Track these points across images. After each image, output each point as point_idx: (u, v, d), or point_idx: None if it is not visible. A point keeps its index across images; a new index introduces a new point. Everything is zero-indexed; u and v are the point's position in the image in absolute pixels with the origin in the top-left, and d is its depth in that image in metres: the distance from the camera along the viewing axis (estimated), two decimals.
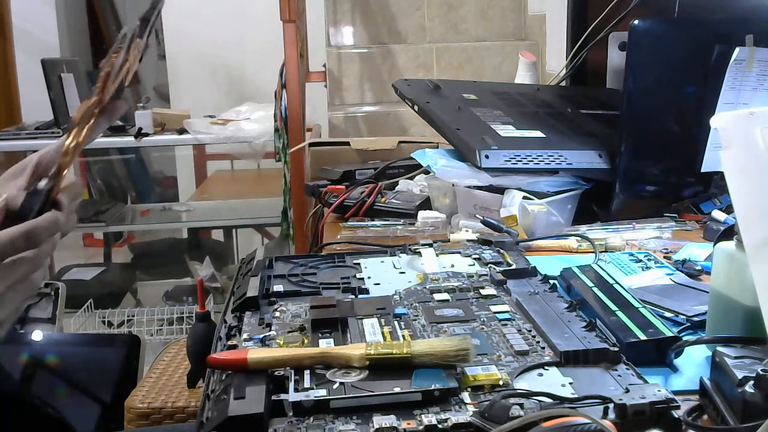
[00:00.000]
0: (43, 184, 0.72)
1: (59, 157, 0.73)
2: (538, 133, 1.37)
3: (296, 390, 0.64)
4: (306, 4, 2.93)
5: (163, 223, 3.56)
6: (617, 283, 0.89)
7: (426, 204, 1.38)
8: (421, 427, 0.59)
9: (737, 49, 1.21)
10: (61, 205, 0.73)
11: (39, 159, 0.76)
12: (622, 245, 1.16)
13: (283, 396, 0.63)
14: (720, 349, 0.67)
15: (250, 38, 4.15)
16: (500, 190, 1.24)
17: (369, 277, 0.96)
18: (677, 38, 1.27)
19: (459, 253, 1.04)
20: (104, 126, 0.77)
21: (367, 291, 0.91)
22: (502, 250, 1.03)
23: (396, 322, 0.79)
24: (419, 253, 1.04)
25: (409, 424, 0.59)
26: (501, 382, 0.65)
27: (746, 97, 1.24)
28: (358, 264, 1.01)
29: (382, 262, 1.02)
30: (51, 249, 0.72)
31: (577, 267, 0.95)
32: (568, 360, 0.70)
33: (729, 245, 0.76)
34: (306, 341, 0.75)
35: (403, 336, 0.76)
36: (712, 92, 1.23)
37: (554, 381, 0.67)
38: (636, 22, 1.22)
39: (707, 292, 0.82)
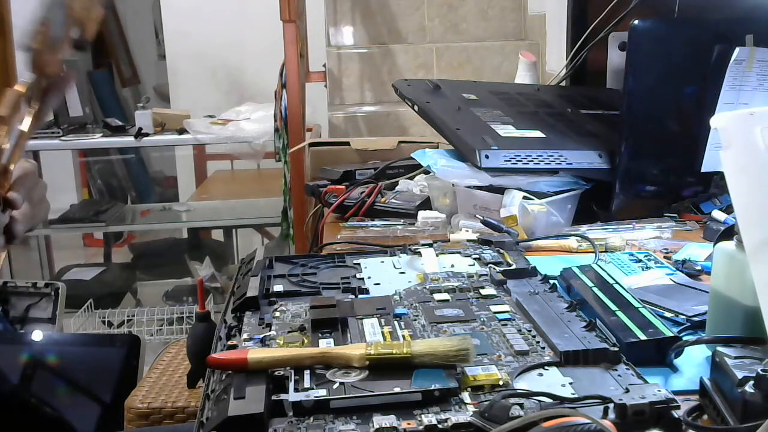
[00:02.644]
0: None
1: None
2: (538, 133, 1.37)
3: (296, 390, 0.64)
4: (306, 4, 2.93)
5: (163, 223, 3.56)
6: (617, 283, 0.89)
7: (426, 204, 1.38)
8: (421, 427, 0.59)
9: (737, 49, 1.21)
10: (16, 203, 0.71)
11: None
12: (622, 245, 1.16)
13: (283, 396, 0.63)
14: (720, 349, 0.67)
15: (250, 38, 4.14)
16: (500, 190, 1.24)
17: (369, 277, 0.96)
18: (677, 38, 1.27)
19: (459, 253, 1.04)
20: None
21: (367, 291, 0.91)
22: (502, 250, 1.03)
23: (396, 322, 0.79)
24: (419, 253, 1.04)
25: (409, 424, 0.59)
26: (501, 382, 0.65)
27: (746, 97, 1.24)
28: (358, 264, 1.01)
29: (382, 262, 1.02)
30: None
31: (577, 267, 0.95)
32: (568, 360, 0.70)
33: (729, 245, 0.76)
34: (306, 341, 0.75)
35: (403, 336, 0.76)
36: (712, 92, 1.23)
37: (554, 381, 0.67)
38: (636, 22, 1.22)
39: (707, 292, 0.82)
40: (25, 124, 0.71)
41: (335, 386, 0.65)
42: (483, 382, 0.65)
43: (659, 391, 0.62)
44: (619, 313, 0.80)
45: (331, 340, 0.74)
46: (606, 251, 1.14)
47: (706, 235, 1.20)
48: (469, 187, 1.28)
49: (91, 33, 0.73)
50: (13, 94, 0.70)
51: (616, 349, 0.70)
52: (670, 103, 1.28)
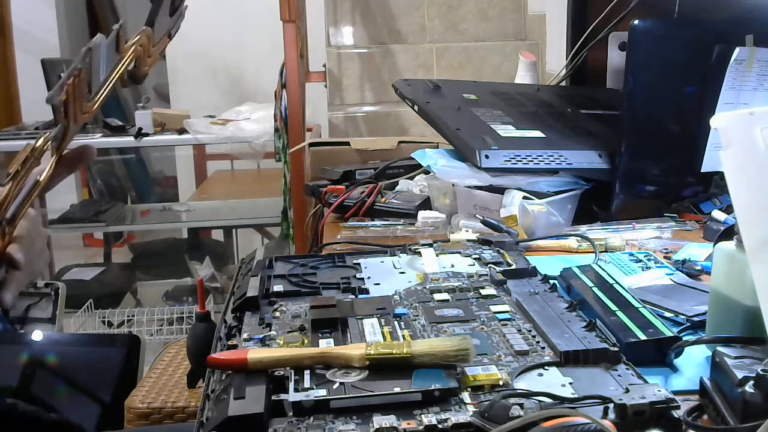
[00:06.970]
0: None
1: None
2: (538, 133, 1.37)
3: (296, 390, 0.64)
4: (306, 4, 2.93)
5: (163, 223, 3.56)
6: (617, 283, 0.89)
7: (426, 204, 1.38)
8: (421, 427, 0.59)
9: (737, 49, 1.21)
10: (17, 263, 0.66)
11: None
12: (622, 245, 1.16)
13: (283, 396, 0.63)
14: (720, 349, 0.67)
15: (250, 38, 4.14)
16: (500, 190, 1.24)
17: (369, 277, 0.96)
18: (677, 38, 1.27)
19: (459, 253, 1.04)
20: (65, 175, 0.69)
21: (367, 291, 0.91)
22: (502, 250, 1.03)
23: (396, 322, 0.79)
24: (419, 253, 1.04)
25: (409, 424, 0.59)
26: (501, 382, 0.65)
27: (746, 97, 1.24)
28: (358, 264, 1.01)
29: (382, 262, 1.02)
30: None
31: (577, 267, 0.95)
32: (568, 360, 0.70)
33: (729, 245, 0.76)
34: (306, 341, 0.75)
35: (403, 336, 0.76)
36: (712, 92, 1.23)
37: (554, 381, 0.67)
38: (636, 22, 1.22)
39: (707, 292, 0.82)
40: (43, 174, 0.66)
41: (335, 386, 0.65)
42: (483, 382, 0.65)
43: (659, 391, 0.62)
44: (619, 313, 0.80)
45: (331, 340, 0.74)
46: (606, 251, 1.14)
47: (706, 235, 1.20)
48: (469, 187, 1.28)
49: (147, 68, 0.71)
50: (26, 149, 0.65)
51: (616, 349, 0.70)
52: (670, 103, 1.28)
